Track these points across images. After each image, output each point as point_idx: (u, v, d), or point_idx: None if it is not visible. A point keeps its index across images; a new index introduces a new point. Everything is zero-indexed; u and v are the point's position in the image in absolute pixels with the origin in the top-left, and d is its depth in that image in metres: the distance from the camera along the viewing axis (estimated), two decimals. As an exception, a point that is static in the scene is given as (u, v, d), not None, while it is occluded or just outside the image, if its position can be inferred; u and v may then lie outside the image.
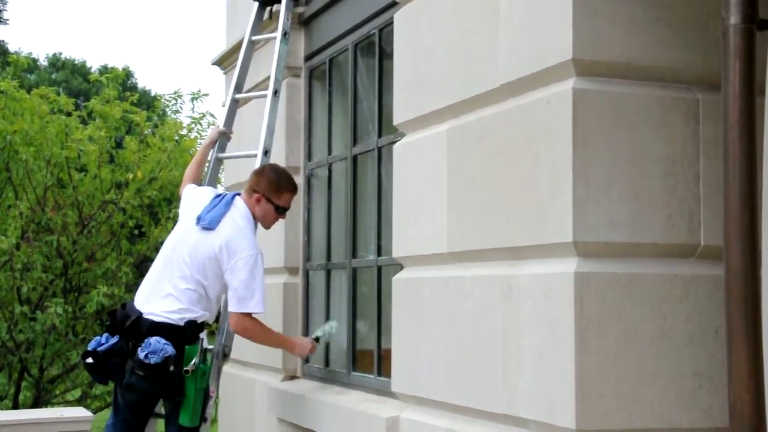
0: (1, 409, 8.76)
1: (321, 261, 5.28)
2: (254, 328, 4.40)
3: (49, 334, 8.61)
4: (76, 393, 9.85)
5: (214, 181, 5.25)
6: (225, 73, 6.61)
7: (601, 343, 2.96)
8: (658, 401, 3.00)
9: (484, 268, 3.43)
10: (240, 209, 4.47)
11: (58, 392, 9.67)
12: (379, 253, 4.60)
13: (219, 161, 5.27)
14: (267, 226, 4.63)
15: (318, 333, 4.85)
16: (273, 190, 4.52)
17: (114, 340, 4.31)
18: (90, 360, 4.33)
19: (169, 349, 4.19)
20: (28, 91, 9.78)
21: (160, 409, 4.57)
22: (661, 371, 3.01)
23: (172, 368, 4.20)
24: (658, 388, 3.00)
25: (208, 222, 4.39)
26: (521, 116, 3.23)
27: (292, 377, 5.40)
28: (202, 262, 4.34)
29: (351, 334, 4.83)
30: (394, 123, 4.16)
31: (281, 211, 4.57)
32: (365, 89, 4.90)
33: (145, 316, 4.30)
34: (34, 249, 8.79)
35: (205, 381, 4.36)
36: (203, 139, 10.34)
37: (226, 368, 5.63)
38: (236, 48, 5.86)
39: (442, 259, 3.72)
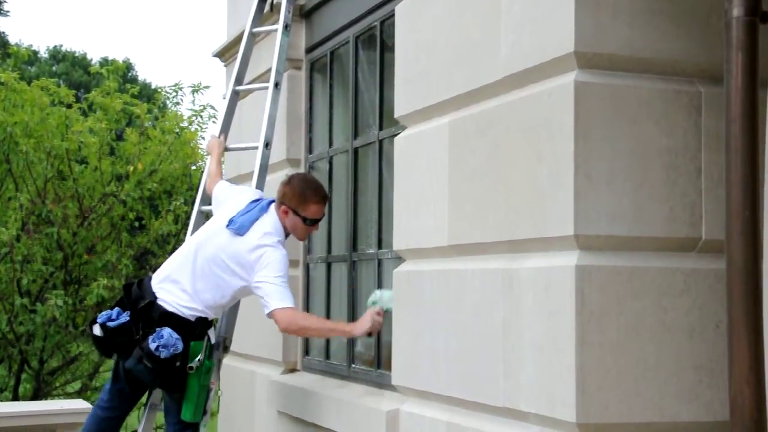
0: (1, 401, 8.76)
1: (321, 254, 5.28)
2: (305, 319, 4.30)
3: (49, 326, 8.62)
4: (76, 385, 9.86)
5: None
6: (226, 66, 6.60)
7: (601, 337, 2.95)
8: (659, 395, 3.00)
9: (485, 262, 3.43)
10: (272, 217, 4.38)
11: (58, 384, 9.69)
12: (379, 246, 4.59)
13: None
14: (300, 238, 4.56)
15: (375, 301, 4.31)
16: (298, 202, 4.39)
17: (124, 318, 4.27)
18: (98, 332, 4.29)
19: (180, 346, 4.16)
20: (29, 83, 9.77)
21: (160, 402, 4.56)
22: (662, 365, 3.00)
23: (178, 364, 4.19)
24: (658, 381, 3.00)
25: (238, 227, 4.31)
26: (523, 109, 3.22)
27: (292, 370, 5.40)
28: (226, 265, 4.29)
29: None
30: (396, 116, 4.15)
31: (311, 222, 4.44)
32: (366, 82, 4.89)
33: (159, 301, 4.28)
34: (35, 241, 8.79)
35: (208, 378, 4.35)
36: (204, 131, 10.35)
37: (226, 361, 5.63)
38: (237, 40, 5.85)
39: (442, 252, 3.71)
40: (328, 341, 5.14)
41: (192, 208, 5.47)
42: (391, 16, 4.35)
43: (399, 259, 4.16)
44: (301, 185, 4.43)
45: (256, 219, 4.34)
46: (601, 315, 2.96)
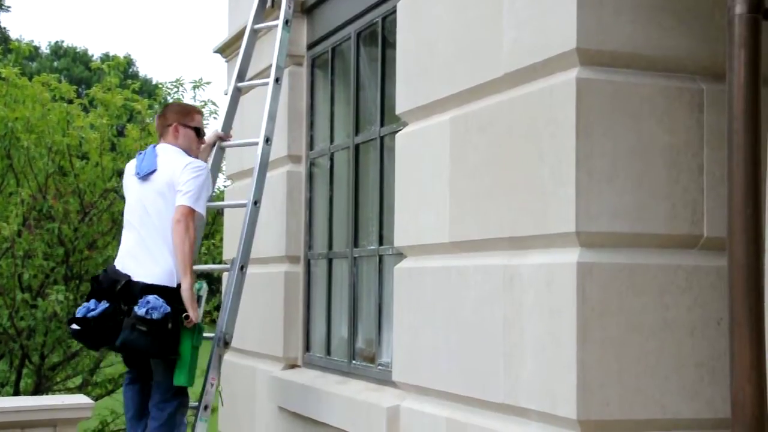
0: (2, 396, 8.77)
1: (322, 250, 5.28)
2: (191, 231, 4.33)
3: (50, 321, 8.62)
4: (77, 380, 9.86)
5: (216, 171, 5.24)
6: (227, 61, 6.59)
7: (603, 334, 2.95)
8: (660, 392, 3.00)
9: (486, 258, 3.43)
10: (169, 148, 4.59)
11: (59, 379, 9.68)
12: (380, 243, 4.59)
13: (222, 150, 5.26)
14: (196, 154, 4.70)
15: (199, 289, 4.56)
16: (183, 115, 4.71)
17: (104, 305, 4.31)
18: (76, 327, 4.32)
19: (167, 307, 4.20)
20: (30, 79, 9.77)
21: None
22: (663, 362, 3.01)
23: (170, 326, 4.20)
24: (659, 378, 3.00)
25: (148, 166, 4.50)
26: (525, 106, 3.22)
27: (293, 366, 5.40)
28: (162, 199, 4.40)
29: (352, 323, 4.83)
30: (397, 112, 4.15)
31: (200, 133, 4.73)
32: (368, 78, 4.89)
33: (135, 278, 4.32)
34: (36, 236, 8.79)
35: (200, 339, 4.38)
36: (205, 127, 10.32)
37: (227, 356, 5.63)
38: (238, 36, 5.85)
39: (444, 249, 3.71)
40: (329, 337, 5.14)
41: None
42: (393, 12, 4.35)
43: (400, 255, 4.16)
44: (179, 103, 4.99)
45: (155, 156, 4.54)
46: (602, 312, 2.96)
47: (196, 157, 4.64)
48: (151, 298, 4.19)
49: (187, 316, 4.25)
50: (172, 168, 4.43)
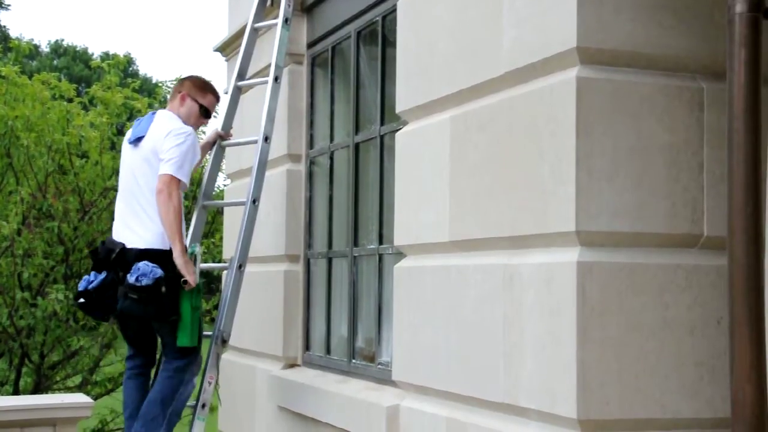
0: (2, 395, 8.76)
1: (322, 249, 5.28)
2: (174, 199, 4.33)
3: (49, 320, 8.61)
4: (77, 379, 9.85)
5: (216, 169, 5.24)
6: (227, 60, 6.59)
7: (603, 333, 2.95)
8: (660, 391, 2.99)
9: (486, 257, 3.42)
10: (164, 114, 4.63)
11: (58, 378, 9.67)
12: (380, 242, 4.59)
13: (222, 149, 5.26)
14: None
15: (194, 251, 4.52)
16: (198, 89, 4.74)
17: (102, 275, 4.37)
18: (82, 300, 4.39)
19: (158, 271, 4.24)
20: (30, 78, 9.76)
21: None
22: (663, 361, 3.00)
23: (163, 289, 4.24)
24: (659, 378, 3.00)
25: (138, 132, 4.55)
26: (525, 105, 3.22)
27: (293, 365, 5.39)
28: (149, 165, 4.44)
29: (352, 322, 4.82)
30: (397, 111, 4.15)
31: (205, 112, 4.75)
32: (368, 77, 4.88)
33: (129, 245, 4.36)
34: (35, 235, 8.78)
35: (200, 299, 4.41)
36: (204, 126, 10.32)
37: (226, 355, 5.63)
38: (238, 35, 5.84)
39: (444, 248, 3.71)
40: (329, 336, 5.14)
41: (193, 204, 5.47)
42: (393, 11, 4.34)
43: (400, 254, 4.15)
44: (201, 78, 4.87)
45: (150, 121, 4.58)
46: (602, 311, 2.96)
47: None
48: (141, 264, 4.24)
49: (186, 282, 4.27)
50: (158, 134, 4.47)
